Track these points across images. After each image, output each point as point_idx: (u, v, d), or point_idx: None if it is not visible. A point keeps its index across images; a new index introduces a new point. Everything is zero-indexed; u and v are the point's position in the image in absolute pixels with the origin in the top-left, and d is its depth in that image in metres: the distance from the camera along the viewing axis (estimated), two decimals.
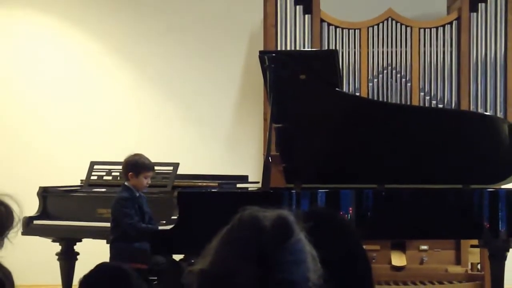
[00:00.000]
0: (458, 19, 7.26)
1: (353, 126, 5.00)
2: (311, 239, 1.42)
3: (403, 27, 7.32)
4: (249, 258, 1.27)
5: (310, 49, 7.14)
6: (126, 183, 5.48)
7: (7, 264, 1.96)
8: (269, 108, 4.95)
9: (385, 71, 7.29)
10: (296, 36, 7.32)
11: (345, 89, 7.09)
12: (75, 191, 6.27)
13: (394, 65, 7.30)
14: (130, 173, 5.44)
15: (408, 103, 7.16)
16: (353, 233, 2.05)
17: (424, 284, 6.25)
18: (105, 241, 5.73)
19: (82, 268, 6.02)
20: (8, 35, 8.06)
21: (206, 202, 4.69)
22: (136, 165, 5.44)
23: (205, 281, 1.31)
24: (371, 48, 7.33)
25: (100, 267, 2.65)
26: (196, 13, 8.01)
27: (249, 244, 1.29)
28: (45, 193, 6.23)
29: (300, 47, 7.27)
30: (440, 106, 7.17)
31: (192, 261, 4.87)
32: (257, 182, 6.02)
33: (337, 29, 7.34)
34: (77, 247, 6.28)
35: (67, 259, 6.20)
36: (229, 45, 7.98)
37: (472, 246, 6.30)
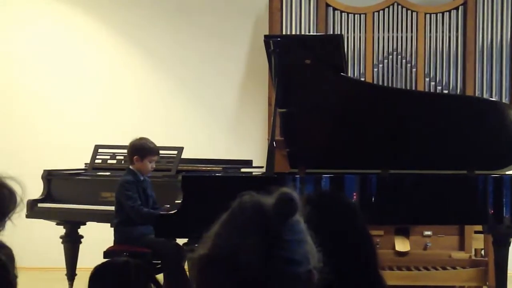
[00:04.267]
0: (464, 4, 7.23)
1: (358, 111, 4.99)
2: (319, 220, 1.42)
3: (409, 12, 7.29)
4: (252, 236, 1.28)
5: (315, 34, 7.13)
6: (130, 167, 5.49)
7: (12, 248, 1.96)
8: (273, 92, 4.93)
9: (390, 57, 7.28)
10: (301, 20, 7.30)
11: (350, 74, 7.07)
12: (80, 174, 6.28)
13: (399, 50, 7.28)
14: (135, 157, 5.45)
15: (413, 88, 7.15)
16: (359, 216, 2.06)
17: (428, 269, 6.26)
18: (109, 224, 5.75)
19: (86, 251, 6.09)
20: (8, 17, 8.05)
21: (210, 186, 4.69)
22: (141, 149, 5.45)
23: (206, 265, 1.31)
24: (377, 33, 7.31)
25: (107, 264, 2.62)
26: None
27: (252, 222, 1.30)
28: (49, 176, 6.24)
29: (305, 31, 7.25)
30: (446, 91, 7.15)
31: (196, 245, 4.88)
32: (261, 167, 6.02)
33: (343, 13, 7.32)
34: (81, 230, 6.30)
35: (71, 242, 6.22)
36: (234, 29, 7.96)
37: (476, 232, 6.30)
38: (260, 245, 1.27)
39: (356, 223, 2.02)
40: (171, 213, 4.74)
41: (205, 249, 1.32)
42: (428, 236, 6.38)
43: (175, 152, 6.01)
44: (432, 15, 7.28)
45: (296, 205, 1.32)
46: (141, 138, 5.52)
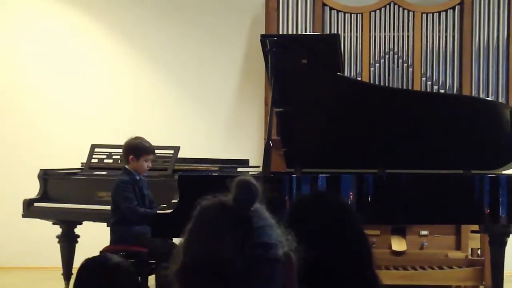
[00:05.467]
0: (461, 4, 7.24)
1: (354, 110, 4.98)
2: (313, 220, 1.41)
3: (406, 11, 7.29)
4: (224, 234, 1.28)
5: (312, 33, 7.12)
6: (126, 166, 5.48)
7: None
8: (270, 92, 4.93)
9: (387, 56, 7.28)
10: (298, 20, 7.30)
11: (346, 73, 7.07)
12: (76, 174, 6.27)
13: (396, 49, 7.28)
14: (131, 157, 5.44)
15: (410, 88, 7.15)
16: (354, 216, 2.05)
17: (424, 269, 6.26)
18: (105, 224, 5.75)
19: (82, 251, 6.07)
20: (9, 17, 8.04)
21: (206, 185, 4.67)
22: (137, 148, 5.44)
23: (186, 276, 1.31)
24: (373, 32, 7.31)
25: (97, 260, 2.60)
26: None
27: (219, 221, 1.30)
28: (45, 176, 6.24)
29: (302, 31, 7.25)
30: (442, 91, 7.16)
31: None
32: (258, 166, 6.02)
33: (339, 13, 7.32)
34: (78, 229, 6.29)
35: (68, 241, 6.22)
36: (230, 28, 7.96)
37: (473, 231, 6.31)
38: (234, 239, 1.28)
39: (350, 222, 2.01)
40: (168, 213, 4.74)
41: (180, 262, 1.32)
42: (425, 235, 6.38)
43: (172, 151, 6.01)
44: (428, 14, 7.28)
45: (257, 189, 1.33)
46: (136, 138, 5.51)
